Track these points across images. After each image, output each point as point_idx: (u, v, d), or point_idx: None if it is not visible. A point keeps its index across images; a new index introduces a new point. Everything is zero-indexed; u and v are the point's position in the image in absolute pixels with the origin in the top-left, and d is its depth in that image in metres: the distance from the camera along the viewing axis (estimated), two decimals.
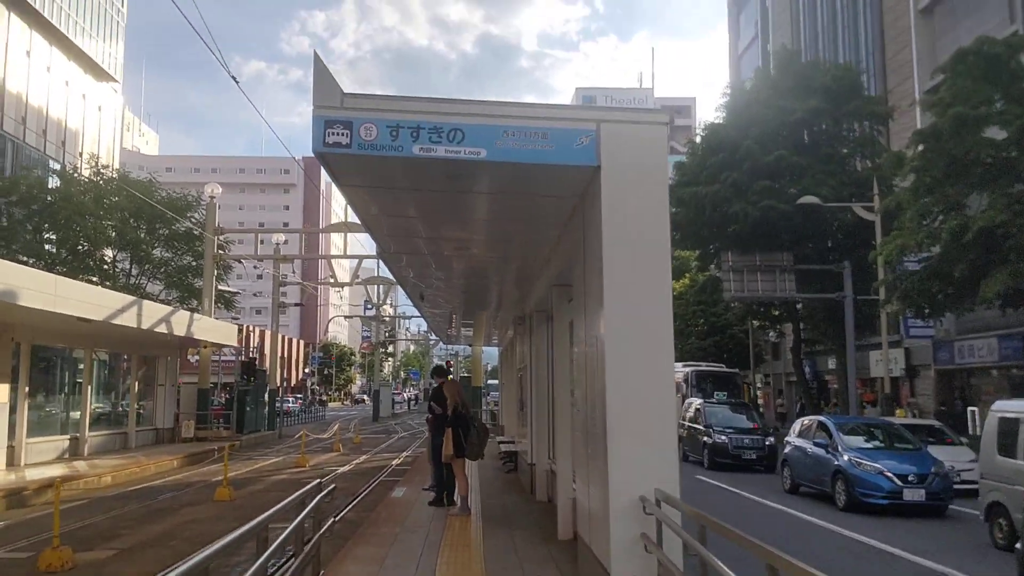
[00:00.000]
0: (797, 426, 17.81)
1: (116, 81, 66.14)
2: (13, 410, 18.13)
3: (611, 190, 5.42)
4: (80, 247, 43.34)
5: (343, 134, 5.17)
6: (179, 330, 23.46)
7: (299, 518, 5.72)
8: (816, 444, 15.90)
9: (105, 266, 45.17)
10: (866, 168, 30.34)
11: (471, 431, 10.89)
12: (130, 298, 21.11)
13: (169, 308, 24.49)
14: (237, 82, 11.68)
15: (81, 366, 22.09)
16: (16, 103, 52.83)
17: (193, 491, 16.38)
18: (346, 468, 20.85)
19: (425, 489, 13.29)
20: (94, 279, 39.43)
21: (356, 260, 35.84)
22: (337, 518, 12.45)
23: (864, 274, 26.94)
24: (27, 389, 18.97)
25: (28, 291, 15.11)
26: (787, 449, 17.29)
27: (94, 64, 60.90)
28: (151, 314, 21.44)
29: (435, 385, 12.40)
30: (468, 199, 6.70)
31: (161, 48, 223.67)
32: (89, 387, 22.12)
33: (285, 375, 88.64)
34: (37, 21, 53.23)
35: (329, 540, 10.61)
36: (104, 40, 62.65)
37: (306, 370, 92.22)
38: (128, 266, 46.22)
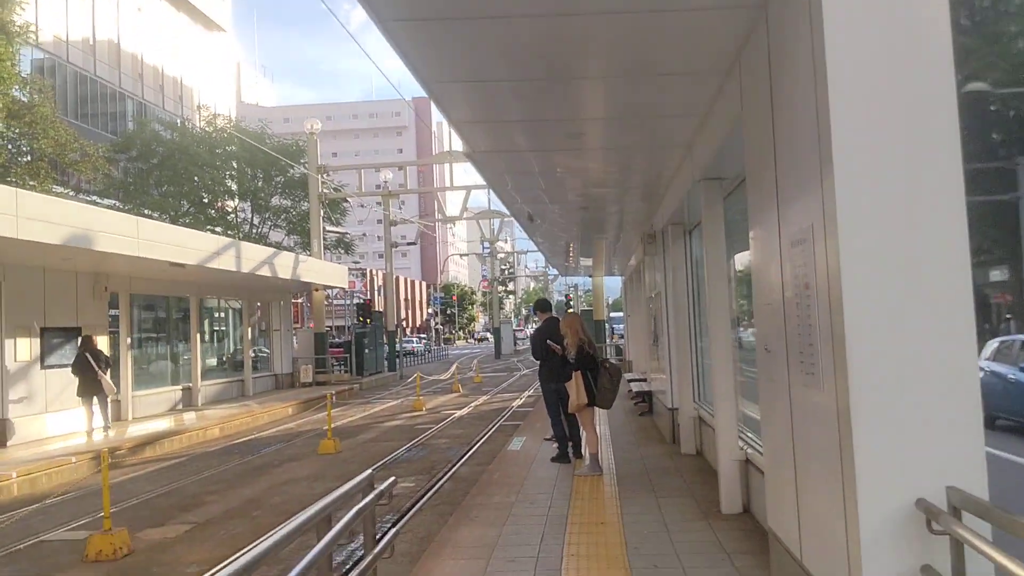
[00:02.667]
0: (991, 347, 14.83)
1: (223, 31, 66.23)
2: (116, 363, 17.33)
3: None
4: (202, 199, 43.88)
5: None
6: (284, 272, 22.32)
7: (345, 521, 3.64)
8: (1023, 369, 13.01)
9: (228, 216, 45.64)
10: None
11: (601, 374, 8.78)
12: (225, 240, 19.97)
13: (272, 250, 23.37)
14: None
15: (188, 314, 21.28)
16: (132, 61, 53.38)
17: (301, 442, 15.11)
18: (463, 411, 19.27)
19: (547, 440, 11.37)
20: (218, 229, 39.68)
21: (465, 194, 34.00)
22: (447, 475, 10.74)
23: None
24: (128, 340, 18.17)
25: (107, 235, 13.92)
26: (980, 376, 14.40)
27: (202, 15, 60.95)
28: (251, 257, 20.26)
29: (539, 323, 10.32)
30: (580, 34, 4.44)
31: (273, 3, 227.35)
32: (198, 335, 21.32)
33: (409, 316, 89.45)
34: None
35: (435, 508, 8.90)
36: None
37: (429, 310, 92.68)
38: (250, 215, 46.63)
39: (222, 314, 24.44)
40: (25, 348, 14.67)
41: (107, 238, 13.86)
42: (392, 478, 4.02)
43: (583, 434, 9.36)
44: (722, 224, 7.20)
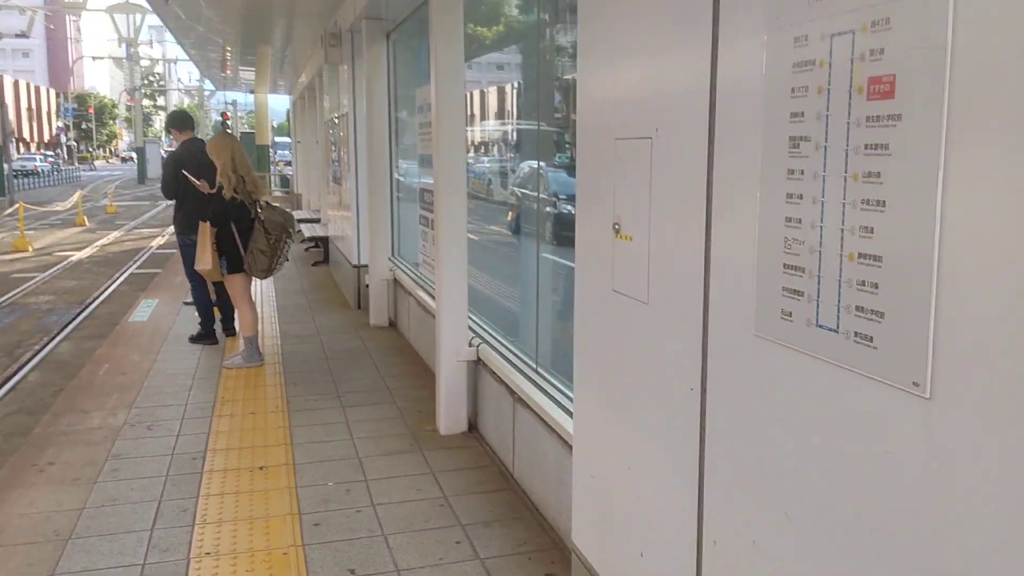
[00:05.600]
0: None
1: None
2: None
3: None
4: None
5: None
6: None
7: None
8: None
9: None
10: None
11: (255, 230, 6.08)
12: None
13: None
14: None
15: None
16: None
17: None
18: (84, 253, 15.26)
19: (188, 303, 8.52)
20: None
21: None
22: (37, 357, 7.55)
23: None
24: None
25: None
26: None
27: None
28: None
29: (171, 147, 7.16)
30: None
31: None
32: None
33: (35, 129, 76.06)
34: None
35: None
36: None
37: (59, 124, 79.40)
38: None
39: None
40: None
41: None
42: None
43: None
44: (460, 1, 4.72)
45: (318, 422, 5.06)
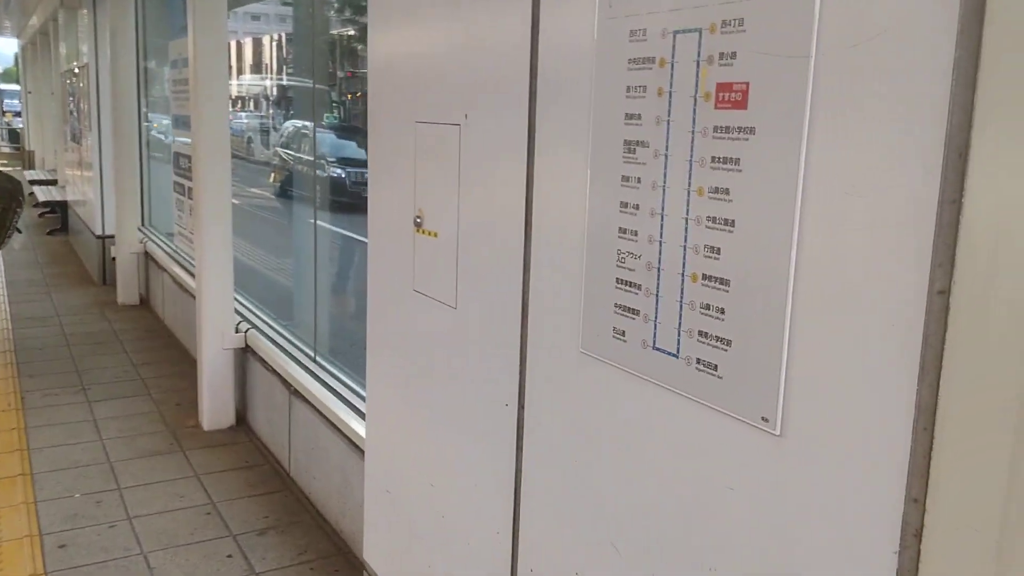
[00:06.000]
0: None
1: None
2: None
3: None
4: None
5: None
6: None
7: None
8: None
9: None
10: None
11: None
12: None
13: None
14: None
15: None
16: None
17: None
18: None
19: None
20: None
21: None
22: None
23: None
24: None
25: None
26: None
27: None
28: None
29: None
30: None
31: None
32: None
33: None
34: None
35: None
36: None
37: None
38: None
39: None
40: None
41: None
42: None
43: None
44: None
45: (60, 421, 4.42)
